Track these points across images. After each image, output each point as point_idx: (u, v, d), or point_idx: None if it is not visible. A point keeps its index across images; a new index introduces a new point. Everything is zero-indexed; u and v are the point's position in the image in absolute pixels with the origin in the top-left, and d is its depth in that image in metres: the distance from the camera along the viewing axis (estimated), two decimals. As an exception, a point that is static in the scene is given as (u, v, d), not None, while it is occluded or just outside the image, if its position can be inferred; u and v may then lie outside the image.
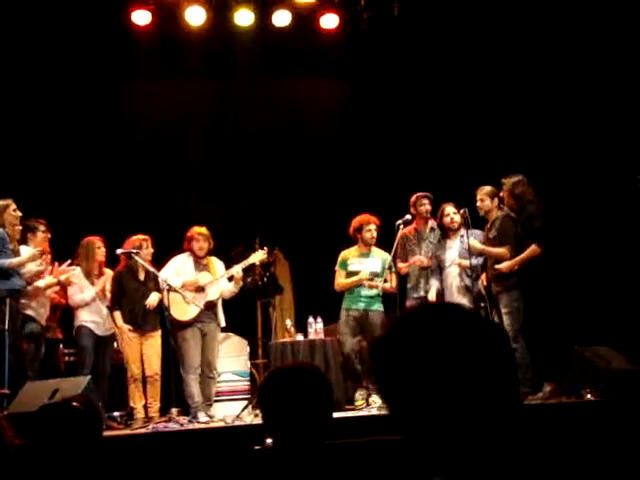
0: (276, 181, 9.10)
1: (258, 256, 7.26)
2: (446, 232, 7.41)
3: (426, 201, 7.54)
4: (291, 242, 8.57)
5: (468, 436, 1.24)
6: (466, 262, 7.13)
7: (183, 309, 7.00)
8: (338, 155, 9.28)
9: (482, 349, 1.27)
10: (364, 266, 7.36)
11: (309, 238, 8.78)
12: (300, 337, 7.53)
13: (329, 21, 8.56)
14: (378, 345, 1.32)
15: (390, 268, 7.35)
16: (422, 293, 7.45)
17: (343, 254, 7.46)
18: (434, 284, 7.34)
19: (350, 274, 7.36)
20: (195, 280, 7.10)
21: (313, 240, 8.72)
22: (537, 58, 8.34)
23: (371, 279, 7.29)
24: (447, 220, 7.36)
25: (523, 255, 6.78)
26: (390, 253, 7.28)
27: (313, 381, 2.43)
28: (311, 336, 7.48)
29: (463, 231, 7.22)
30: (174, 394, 6.75)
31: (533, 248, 6.75)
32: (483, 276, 7.21)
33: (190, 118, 9.11)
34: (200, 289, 7.10)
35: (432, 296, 7.28)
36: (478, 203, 7.15)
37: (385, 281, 7.35)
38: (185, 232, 7.23)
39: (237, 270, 7.14)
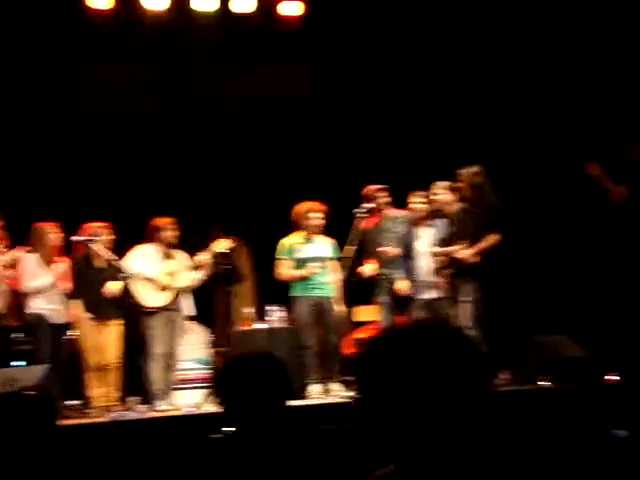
0: (236, 169, 9.03)
1: (223, 244, 7.24)
2: (415, 220, 7.42)
3: (384, 193, 7.55)
4: (252, 230, 8.53)
5: (431, 428, 1.36)
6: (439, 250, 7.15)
7: (153, 296, 6.98)
8: (300, 143, 9.24)
9: (458, 365, 1.39)
10: (312, 251, 7.28)
11: (270, 226, 8.75)
12: (260, 325, 7.53)
13: (291, 7, 8.53)
14: (363, 360, 1.43)
15: (340, 258, 7.32)
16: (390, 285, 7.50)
17: (287, 242, 7.33)
18: (401, 275, 7.34)
19: (300, 262, 7.27)
20: (168, 271, 7.08)
21: (274, 228, 8.69)
22: (493, 50, 8.38)
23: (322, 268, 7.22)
24: (414, 209, 7.36)
25: (483, 244, 6.85)
26: (346, 241, 7.26)
27: (271, 369, 2.43)
28: (272, 324, 7.48)
29: (434, 220, 7.26)
30: (133, 383, 6.71)
31: (493, 238, 6.84)
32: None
33: (148, 104, 9.01)
34: (165, 282, 7.06)
35: (399, 287, 7.28)
36: (431, 196, 7.19)
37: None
38: (143, 221, 7.19)
39: (205, 258, 7.14)
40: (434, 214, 7.23)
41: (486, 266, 6.86)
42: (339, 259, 7.31)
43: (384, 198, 7.53)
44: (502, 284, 6.85)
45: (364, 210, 7.38)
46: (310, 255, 7.28)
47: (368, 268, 7.41)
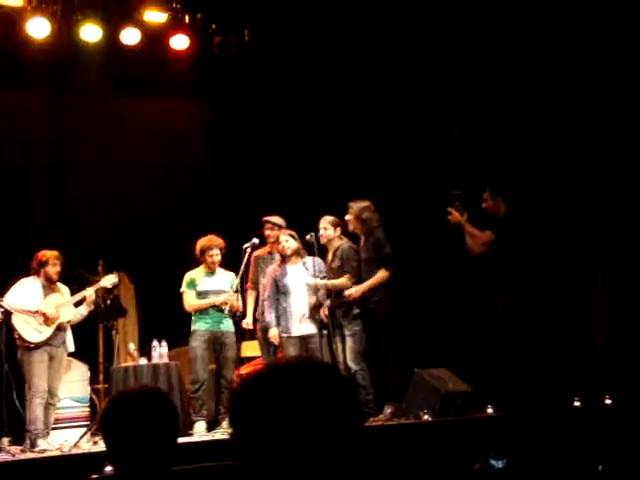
0: (124, 202, 8.85)
1: (109, 279, 7.19)
2: (283, 257, 7.40)
3: (268, 225, 7.59)
4: (135, 264, 8.36)
5: (309, 464, 1.37)
6: (315, 282, 7.20)
7: (34, 331, 6.77)
8: (193, 177, 9.18)
9: (331, 403, 1.40)
10: (213, 284, 7.27)
11: (154, 261, 8.60)
12: (143, 361, 7.36)
13: (179, 42, 8.47)
14: (237, 398, 1.45)
15: (237, 290, 7.31)
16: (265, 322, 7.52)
17: (189, 275, 7.31)
18: (272, 316, 7.27)
19: (200, 294, 7.24)
20: (51, 305, 6.89)
21: (158, 263, 8.55)
22: (380, 89, 8.61)
23: (225, 303, 7.16)
24: (279, 247, 7.33)
25: (372, 280, 6.97)
26: (238, 274, 7.25)
27: (157, 405, 2.38)
28: (155, 360, 7.32)
29: (306, 258, 7.30)
30: (6, 422, 6.40)
31: (382, 274, 6.96)
32: (327, 303, 7.29)
33: (31, 135, 8.72)
34: (50, 314, 6.84)
35: (273, 335, 7.23)
36: (321, 231, 7.27)
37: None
38: (27, 255, 7.01)
39: (89, 293, 7.03)
40: (307, 250, 7.31)
41: (372, 302, 6.99)
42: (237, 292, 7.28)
43: (266, 231, 7.57)
44: (387, 318, 6.99)
45: (252, 244, 7.39)
46: (209, 288, 7.26)
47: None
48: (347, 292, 7.00)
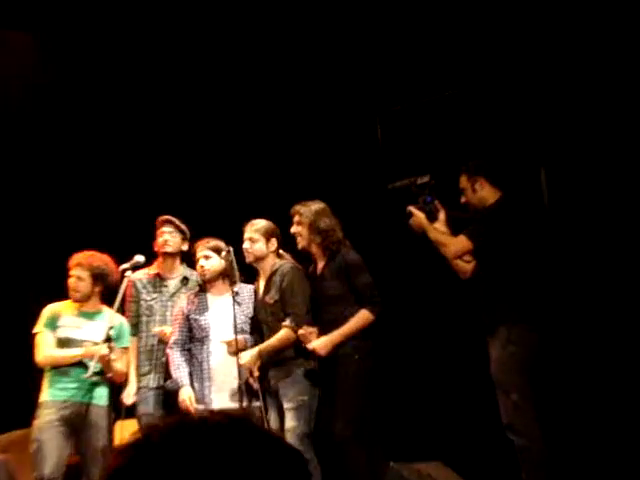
0: None
1: None
2: (204, 285, 4.95)
3: (169, 229, 5.05)
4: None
5: None
6: (238, 338, 4.67)
7: None
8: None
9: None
10: (84, 332, 4.71)
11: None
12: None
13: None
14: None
15: (110, 339, 4.64)
16: (158, 381, 4.97)
17: (52, 309, 4.78)
18: (182, 372, 4.78)
19: (62, 342, 4.69)
20: None
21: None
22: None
23: (90, 355, 4.58)
24: (198, 269, 4.92)
25: (351, 324, 4.57)
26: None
27: None
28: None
29: (240, 285, 4.89)
30: None
31: (364, 315, 4.60)
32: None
33: None
34: None
35: (186, 397, 4.73)
36: (246, 244, 4.83)
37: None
38: None
39: None
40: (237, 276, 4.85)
41: (337, 355, 4.57)
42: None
43: (167, 235, 5.07)
44: (355, 384, 4.54)
45: (131, 265, 4.79)
46: (79, 336, 4.72)
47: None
48: (310, 345, 4.54)
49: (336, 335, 4.55)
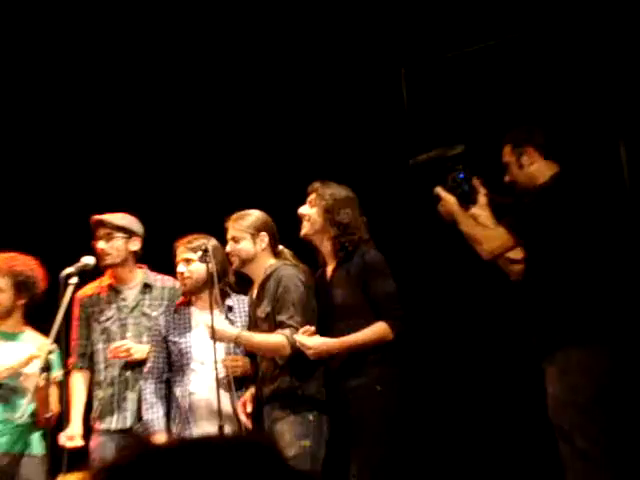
0: None
1: None
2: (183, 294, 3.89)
3: (103, 231, 3.95)
4: None
5: None
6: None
7: None
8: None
9: None
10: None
11: None
12: None
13: None
14: None
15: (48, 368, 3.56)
16: (123, 422, 3.84)
17: None
18: (156, 411, 3.71)
19: None
20: None
21: None
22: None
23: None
24: (178, 277, 3.83)
25: (359, 336, 3.50)
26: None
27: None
28: None
29: (232, 297, 3.83)
30: None
31: (380, 328, 3.50)
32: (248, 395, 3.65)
33: None
34: None
35: (158, 426, 3.69)
36: (229, 246, 3.73)
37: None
38: None
39: None
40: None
41: (348, 388, 3.51)
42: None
43: (102, 242, 3.94)
44: (375, 425, 3.46)
45: (77, 269, 3.68)
46: None
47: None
48: (308, 343, 3.45)
49: (337, 342, 3.50)
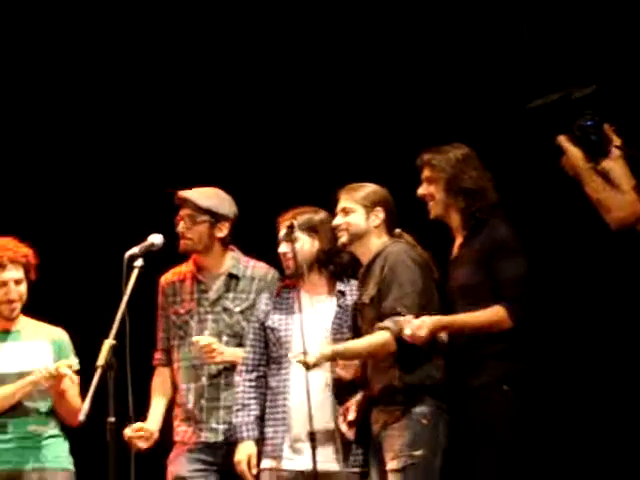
0: None
1: None
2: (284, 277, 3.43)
3: (185, 212, 3.50)
4: None
5: None
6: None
7: None
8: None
9: None
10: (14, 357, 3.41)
11: None
12: None
13: None
14: None
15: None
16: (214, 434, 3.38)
17: None
18: (246, 415, 3.25)
19: None
20: None
21: None
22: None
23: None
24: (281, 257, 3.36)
25: (472, 317, 3.03)
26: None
27: None
28: None
29: (345, 282, 3.34)
30: None
31: (497, 313, 3.02)
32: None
33: None
34: None
35: (246, 455, 3.20)
36: (338, 219, 3.24)
37: None
38: None
39: None
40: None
41: (472, 387, 3.05)
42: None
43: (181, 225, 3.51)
44: (503, 431, 2.97)
45: (142, 249, 3.12)
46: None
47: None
48: (407, 328, 2.94)
49: (444, 320, 3.03)
